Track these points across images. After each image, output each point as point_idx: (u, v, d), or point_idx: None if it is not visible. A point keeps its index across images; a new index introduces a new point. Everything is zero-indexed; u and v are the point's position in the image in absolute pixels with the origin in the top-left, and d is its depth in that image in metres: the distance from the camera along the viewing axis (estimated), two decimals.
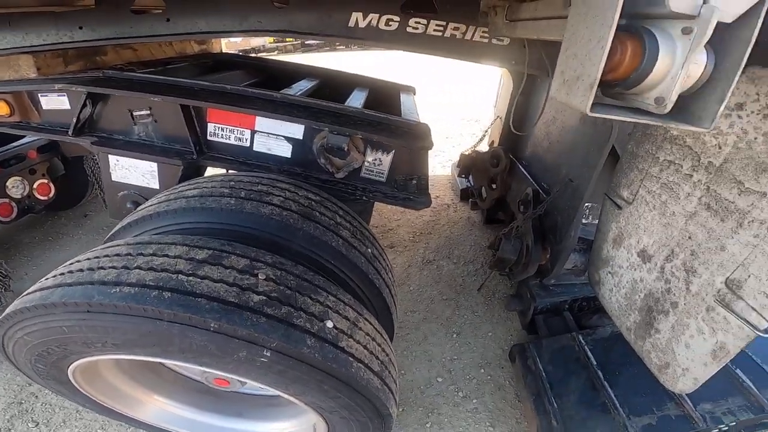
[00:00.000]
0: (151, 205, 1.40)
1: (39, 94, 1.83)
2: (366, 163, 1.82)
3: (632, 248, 1.55)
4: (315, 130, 1.73)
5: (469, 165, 3.10)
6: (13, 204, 2.53)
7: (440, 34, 1.95)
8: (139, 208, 1.47)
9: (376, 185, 1.86)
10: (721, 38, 0.71)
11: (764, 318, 1.07)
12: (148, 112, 1.81)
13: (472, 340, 2.40)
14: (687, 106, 0.78)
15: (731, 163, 1.11)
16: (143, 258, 1.03)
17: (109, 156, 1.80)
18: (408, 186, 1.84)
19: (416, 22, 1.88)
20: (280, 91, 1.96)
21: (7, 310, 1.10)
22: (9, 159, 2.47)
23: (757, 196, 1.04)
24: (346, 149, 1.72)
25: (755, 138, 1.03)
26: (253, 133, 1.76)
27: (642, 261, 1.50)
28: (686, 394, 1.78)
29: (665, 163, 1.35)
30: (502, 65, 2.06)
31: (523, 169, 2.54)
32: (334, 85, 2.81)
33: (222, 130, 1.80)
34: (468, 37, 1.96)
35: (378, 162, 1.82)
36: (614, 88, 0.73)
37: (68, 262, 1.14)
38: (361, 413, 1.21)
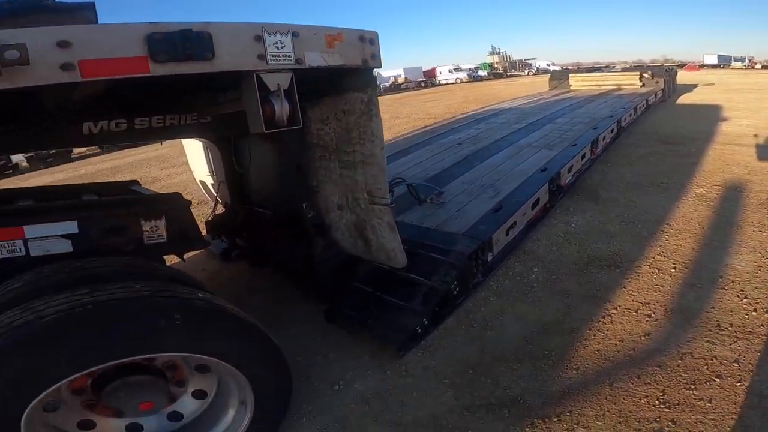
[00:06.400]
0: None
1: None
2: (146, 232, 2.31)
3: (335, 206, 2.80)
4: (91, 221, 2.11)
5: (216, 227, 3.81)
6: None
7: (161, 125, 2.61)
8: None
9: (160, 247, 2.37)
10: None
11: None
12: None
13: None
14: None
15: (337, 143, 2.49)
16: None
17: None
18: (187, 237, 2.45)
19: (141, 120, 2.50)
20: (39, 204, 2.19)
21: None
22: None
23: (351, 153, 2.43)
24: (124, 227, 2.19)
25: (336, 130, 2.44)
26: (26, 241, 1.95)
27: (340, 209, 2.77)
28: None
29: (320, 158, 2.68)
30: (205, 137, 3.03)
31: (259, 209, 3.50)
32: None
33: None
34: (183, 123, 2.71)
35: (155, 228, 2.35)
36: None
37: None
38: None
